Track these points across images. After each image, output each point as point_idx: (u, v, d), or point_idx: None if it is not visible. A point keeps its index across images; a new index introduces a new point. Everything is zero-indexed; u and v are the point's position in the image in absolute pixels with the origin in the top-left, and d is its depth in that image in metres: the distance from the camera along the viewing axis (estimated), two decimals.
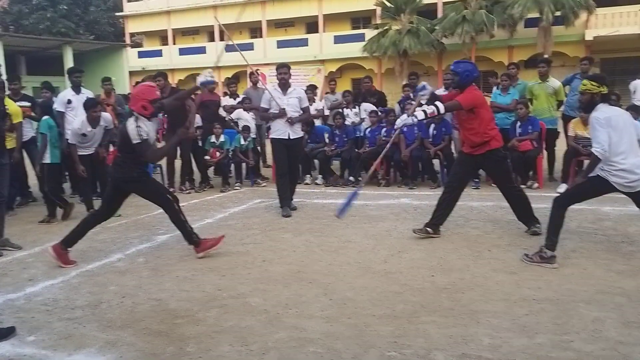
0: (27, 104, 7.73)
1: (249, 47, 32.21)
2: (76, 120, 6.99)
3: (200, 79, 5.37)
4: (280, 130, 6.76)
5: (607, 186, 4.46)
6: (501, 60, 25.19)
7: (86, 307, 3.87)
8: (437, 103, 5.11)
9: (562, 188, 7.49)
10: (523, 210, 5.45)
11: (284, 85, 6.85)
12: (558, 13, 22.94)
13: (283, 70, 6.81)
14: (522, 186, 7.85)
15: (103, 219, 5.10)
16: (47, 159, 6.71)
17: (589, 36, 24.17)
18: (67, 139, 7.21)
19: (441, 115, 5.36)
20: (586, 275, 4.20)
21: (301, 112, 6.89)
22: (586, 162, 8.43)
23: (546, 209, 6.33)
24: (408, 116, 5.20)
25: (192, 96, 7.74)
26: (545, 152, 8.44)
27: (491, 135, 5.25)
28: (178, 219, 4.96)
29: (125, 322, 3.59)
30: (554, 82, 8.40)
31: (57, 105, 7.74)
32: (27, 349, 3.23)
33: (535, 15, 23.28)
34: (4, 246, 5.35)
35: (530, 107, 8.25)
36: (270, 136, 6.96)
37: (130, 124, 4.78)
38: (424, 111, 5.08)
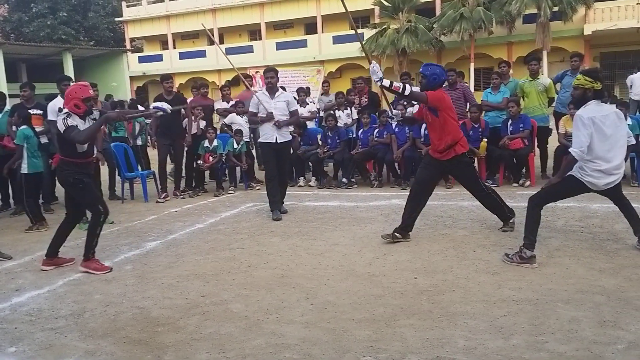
0: (40, 112, 7.73)
1: (249, 49, 32.33)
2: None
3: (155, 105, 5.73)
4: (267, 134, 6.82)
5: (582, 186, 4.44)
6: (500, 56, 25.06)
7: (69, 316, 3.90)
8: (409, 88, 5.05)
9: None
10: (495, 209, 5.51)
11: (272, 89, 6.90)
12: (556, 8, 22.86)
13: (270, 75, 6.85)
14: (515, 184, 7.89)
15: (73, 221, 5.27)
16: (24, 169, 6.77)
17: (588, 31, 24.07)
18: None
19: (404, 97, 5.21)
20: (568, 274, 4.21)
21: (289, 115, 6.91)
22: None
23: None
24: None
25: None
26: (537, 150, 8.44)
27: (456, 140, 5.17)
28: (94, 229, 4.99)
29: (106, 331, 3.62)
30: (545, 79, 8.41)
31: (49, 114, 7.77)
32: None
33: (534, 11, 23.21)
34: None
35: (521, 105, 8.25)
36: (259, 140, 7.00)
37: (59, 120, 4.90)
38: (391, 82, 5.09)
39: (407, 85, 5.06)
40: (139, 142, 9.97)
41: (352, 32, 29.88)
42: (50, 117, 7.70)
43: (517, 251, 4.48)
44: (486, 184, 5.74)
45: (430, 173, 5.43)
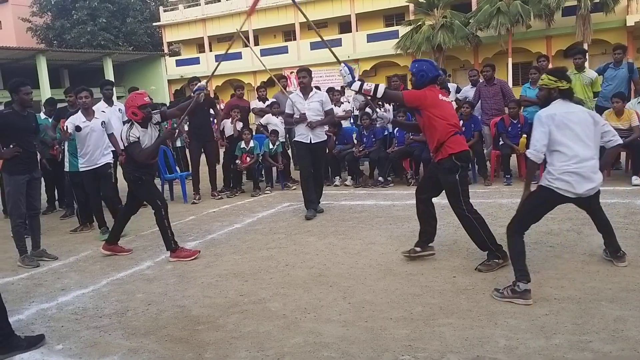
0: None
1: (283, 50, 32.54)
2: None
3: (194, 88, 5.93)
4: (302, 134, 6.86)
5: (553, 195, 3.91)
6: (539, 51, 24.57)
7: (113, 315, 4.01)
8: (380, 85, 4.66)
9: None
10: (474, 236, 4.51)
11: (305, 89, 6.91)
12: (596, 0, 22.24)
13: (302, 75, 6.83)
14: None
15: (132, 211, 5.74)
16: (66, 167, 7.04)
17: (631, 21, 23.30)
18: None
19: (377, 99, 4.79)
20: (612, 272, 4.10)
21: (324, 115, 6.91)
22: (623, 154, 8.27)
23: None
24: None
25: (223, 102, 7.95)
26: None
27: (442, 140, 4.48)
28: (162, 223, 5.33)
29: (148, 329, 3.71)
30: (591, 73, 8.11)
31: None
32: (55, 357, 3.38)
33: (573, 3, 22.66)
34: (40, 257, 5.58)
35: None
36: (294, 139, 7.04)
37: (124, 130, 5.37)
38: (362, 84, 4.66)
39: (380, 86, 4.65)
40: (178, 143, 10.14)
41: (387, 30, 29.89)
42: None
43: (510, 285, 3.80)
44: (473, 207, 4.57)
45: (429, 180, 4.88)
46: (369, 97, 4.87)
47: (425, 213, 4.81)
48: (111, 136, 6.59)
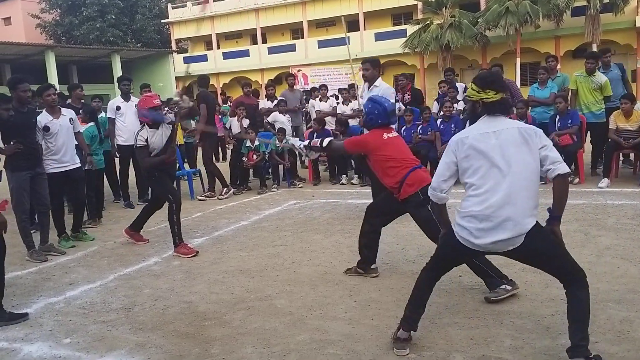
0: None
1: (291, 48, 32.53)
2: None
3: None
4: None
5: (457, 245, 3.00)
6: (548, 51, 24.46)
7: (120, 310, 4.04)
8: (327, 140, 4.57)
9: (604, 183, 7.29)
10: (476, 270, 3.89)
11: (369, 82, 6.31)
12: (606, 0, 22.12)
13: (365, 67, 6.25)
14: None
15: (157, 205, 5.97)
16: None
17: None
18: (117, 144, 8.00)
19: (324, 150, 4.62)
20: (619, 273, 4.09)
21: None
22: (632, 155, 8.24)
23: (585, 205, 6.24)
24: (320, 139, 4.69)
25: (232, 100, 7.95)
26: (590, 146, 8.24)
27: (399, 182, 4.11)
28: (171, 218, 5.46)
29: (155, 324, 3.73)
30: (601, 77, 7.99)
31: (108, 112, 8.09)
32: (62, 350, 3.41)
33: (582, 3, 22.53)
34: (48, 251, 5.61)
35: (576, 99, 8.05)
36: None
37: (135, 134, 5.59)
38: (309, 141, 4.76)
39: (326, 139, 4.60)
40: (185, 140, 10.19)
41: (395, 29, 29.82)
42: (109, 115, 8.04)
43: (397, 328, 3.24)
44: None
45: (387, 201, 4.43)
46: (316, 147, 4.69)
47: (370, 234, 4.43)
48: (78, 134, 6.31)
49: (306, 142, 4.84)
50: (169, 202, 5.49)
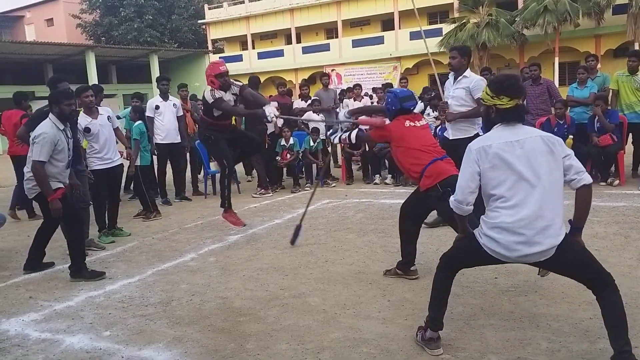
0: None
1: (325, 47, 32.62)
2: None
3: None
4: (447, 127, 6.00)
5: (480, 252, 2.92)
6: (588, 50, 23.92)
7: (158, 304, 4.13)
8: (354, 132, 4.58)
9: None
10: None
11: (455, 72, 5.81)
12: None
13: (452, 54, 5.77)
14: (602, 183, 7.50)
15: (229, 173, 6.12)
16: (137, 162, 7.23)
17: None
18: (155, 142, 8.17)
19: (353, 144, 4.78)
20: None
21: (470, 106, 5.68)
22: None
23: (625, 207, 6.10)
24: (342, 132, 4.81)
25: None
26: (632, 147, 8.04)
27: (419, 172, 4.11)
28: (223, 182, 5.87)
29: (192, 319, 3.81)
30: None
31: (147, 111, 8.27)
32: (103, 343, 3.51)
33: (624, 1, 21.95)
34: (88, 247, 5.75)
35: (617, 99, 7.86)
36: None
37: (207, 92, 5.84)
38: (339, 137, 4.75)
39: (353, 132, 4.60)
40: None
41: (430, 27, 29.58)
42: (148, 114, 8.21)
43: (421, 326, 3.27)
44: None
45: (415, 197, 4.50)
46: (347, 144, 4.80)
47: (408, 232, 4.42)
48: (117, 130, 6.43)
49: (336, 140, 4.83)
50: (222, 167, 5.79)
